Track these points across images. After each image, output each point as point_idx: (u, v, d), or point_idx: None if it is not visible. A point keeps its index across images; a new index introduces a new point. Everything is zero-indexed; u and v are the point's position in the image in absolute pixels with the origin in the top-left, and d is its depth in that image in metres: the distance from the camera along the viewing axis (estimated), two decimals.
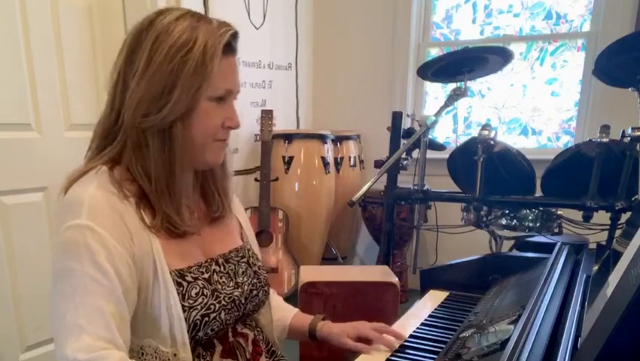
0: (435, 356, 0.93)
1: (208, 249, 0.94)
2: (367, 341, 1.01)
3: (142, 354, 0.84)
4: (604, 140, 1.70)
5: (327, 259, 3.15)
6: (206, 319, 0.86)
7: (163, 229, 0.84)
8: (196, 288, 0.86)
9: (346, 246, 3.33)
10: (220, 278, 0.92)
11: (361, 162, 3.18)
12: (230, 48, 0.85)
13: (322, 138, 2.84)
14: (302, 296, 1.76)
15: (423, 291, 1.36)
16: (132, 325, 0.81)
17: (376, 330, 1.02)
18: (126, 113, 0.82)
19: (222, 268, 0.94)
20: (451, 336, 1.00)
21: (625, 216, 1.70)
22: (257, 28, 2.85)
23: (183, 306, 0.83)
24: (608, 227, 1.73)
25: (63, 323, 0.75)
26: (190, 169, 0.92)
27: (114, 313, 0.76)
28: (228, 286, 0.92)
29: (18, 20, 1.72)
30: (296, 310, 1.15)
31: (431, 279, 1.38)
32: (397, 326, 1.09)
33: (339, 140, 3.00)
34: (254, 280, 0.98)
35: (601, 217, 1.76)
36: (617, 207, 1.70)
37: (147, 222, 0.83)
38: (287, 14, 3.08)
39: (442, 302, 1.26)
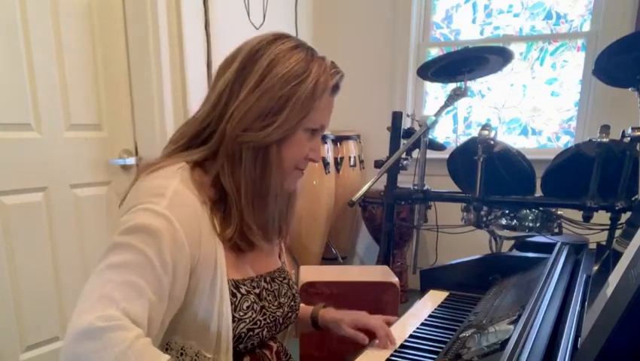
0: (435, 356, 0.93)
1: (256, 265, 0.96)
2: (367, 332, 1.03)
3: (182, 354, 0.84)
4: (604, 140, 1.70)
5: (327, 259, 3.15)
6: (251, 333, 0.88)
7: (232, 240, 0.86)
8: (247, 301, 0.88)
9: (346, 246, 3.33)
10: (268, 296, 0.94)
11: (361, 162, 3.18)
12: (336, 89, 0.90)
13: (322, 138, 2.82)
14: (302, 296, 1.74)
15: (423, 291, 1.36)
16: (178, 325, 0.82)
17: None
18: (228, 123, 0.84)
19: (270, 286, 0.96)
20: (451, 336, 1.00)
21: (625, 216, 1.70)
22: (257, 28, 2.85)
23: (233, 317, 0.85)
24: (608, 227, 1.73)
25: (100, 290, 0.69)
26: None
27: (153, 303, 0.72)
28: (273, 305, 0.94)
29: (18, 20, 1.72)
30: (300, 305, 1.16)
31: (431, 279, 1.38)
32: (397, 326, 1.10)
33: (339, 140, 3.00)
34: (292, 303, 1.01)
35: (601, 217, 1.76)
36: (617, 207, 1.70)
37: (217, 230, 0.85)
38: (287, 14, 3.08)
39: (442, 302, 1.26)
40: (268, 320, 0.91)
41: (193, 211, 0.80)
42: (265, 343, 0.97)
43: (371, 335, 1.03)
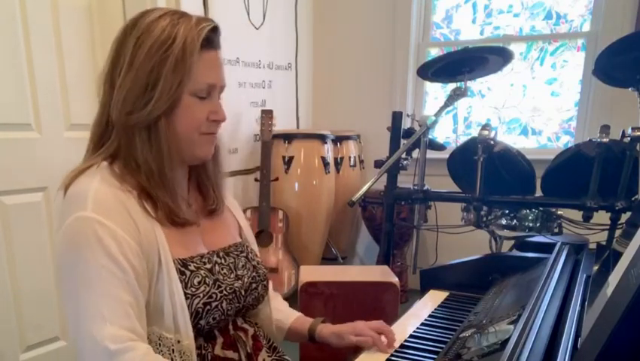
0: (435, 356, 0.93)
1: (209, 242, 0.96)
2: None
3: (148, 342, 0.84)
4: (605, 140, 1.70)
5: (327, 259, 3.15)
6: (208, 307, 0.88)
7: (166, 218, 0.87)
8: (198, 277, 0.88)
9: (346, 246, 3.33)
10: (222, 270, 0.94)
11: (361, 162, 3.18)
12: (209, 42, 0.86)
13: (322, 138, 2.84)
14: (302, 296, 1.76)
15: (423, 291, 1.36)
16: None
17: (374, 329, 1.02)
18: (112, 112, 0.85)
19: (223, 260, 0.96)
20: (451, 336, 1.00)
21: (625, 216, 1.70)
22: (257, 28, 2.85)
23: (185, 294, 0.85)
24: (608, 227, 1.73)
25: (85, 313, 0.76)
26: (182, 164, 0.93)
27: (131, 303, 0.78)
28: (229, 278, 0.95)
29: (18, 20, 1.72)
30: (299, 314, 1.15)
31: (431, 279, 1.38)
32: (397, 326, 1.10)
33: (339, 140, 3.00)
34: (254, 274, 1.00)
35: (602, 217, 1.76)
36: (617, 207, 1.70)
37: (151, 213, 0.85)
38: (287, 14, 3.08)
39: (442, 302, 1.26)
40: (225, 292, 0.91)
41: (119, 203, 0.81)
42: (238, 325, 0.97)
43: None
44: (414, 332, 1.07)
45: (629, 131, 1.68)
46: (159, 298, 0.84)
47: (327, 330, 1.07)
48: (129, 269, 0.79)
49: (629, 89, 1.89)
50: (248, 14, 2.76)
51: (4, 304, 1.77)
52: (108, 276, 0.77)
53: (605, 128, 1.72)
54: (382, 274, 1.82)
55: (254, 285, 0.99)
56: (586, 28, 2.74)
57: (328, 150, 2.86)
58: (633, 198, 1.70)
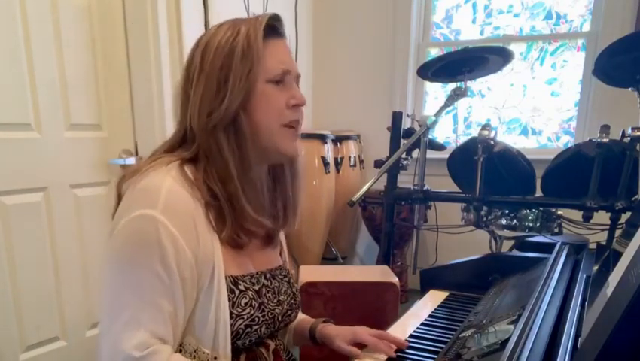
0: (435, 356, 0.93)
1: (257, 262, 0.95)
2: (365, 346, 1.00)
3: (180, 351, 0.84)
4: (604, 140, 1.70)
5: (327, 259, 3.15)
6: (249, 330, 0.87)
7: (230, 236, 0.85)
8: (246, 298, 0.87)
9: (346, 246, 3.33)
10: (267, 293, 0.93)
11: (361, 162, 3.18)
12: (273, 30, 0.87)
13: (322, 138, 2.84)
14: (302, 296, 1.75)
15: (423, 291, 1.36)
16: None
17: (376, 337, 1.00)
18: (193, 121, 0.85)
19: (269, 283, 0.95)
20: (451, 336, 1.00)
21: (625, 216, 1.70)
22: None
23: (231, 313, 0.84)
24: (608, 227, 1.73)
25: (124, 314, 0.76)
26: (263, 162, 0.92)
27: (171, 313, 0.79)
28: (272, 302, 0.94)
29: (18, 20, 1.72)
30: (304, 316, 1.15)
31: (431, 279, 1.38)
32: (397, 326, 1.10)
33: (339, 140, 3.00)
34: (292, 301, 1.00)
35: (602, 217, 1.76)
36: (617, 207, 1.70)
37: (214, 227, 0.84)
38: (287, 14, 3.08)
39: (442, 302, 1.26)
40: (266, 317, 0.91)
41: (187, 210, 0.80)
42: (262, 341, 0.96)
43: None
44: (414, 332, 1.07)
45: (629, 131, 1.68)
46: (204, 312, 0.82)
47: (325, 331, 1.05)
48: (179, 280, 0.78)
49: (629, 89, 1.89)
50: (248, 14, 2.76)
51: (4, 304, 1.77)
52: (157, 283, 0.77)
53: (605, 128, 1.72)
54: (382, 274, 1.82)
55: (289, 312, 0.99)
56: (586, 28, 2.74)
57: (328, 150, 2.86)
58: (633, 198, 1.70)
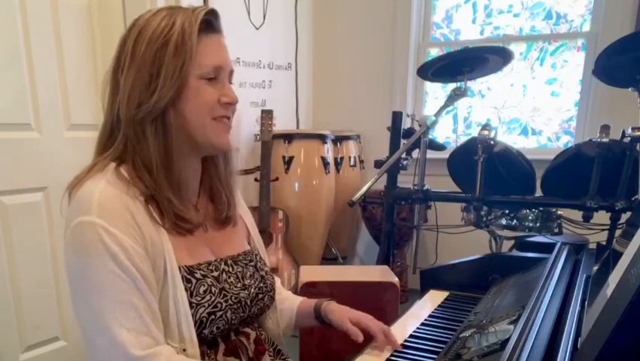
0: (435, 356, 0.93)
1: (217, 250, 0.95)
2: (366, 333, 1.01)
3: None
4: (605, 140, 1.70)
5: (327, 259, 3.15)
6: (212, 317, 0.87)
7: (172, 225, 0.85)
8: (204, 285, 0.87)
9: (346, 246, 3.33)
10: (229, 278, 0.93)
11: (361, 162, 3.18)
12: (209, 25, 0.86)
13: (322, 138, 2.84)
14: (302, 296, 1.76)
15: (423, 291, 1.36)
16: None
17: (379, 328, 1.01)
18: (120, 110, 0.84)
19: (231, 268, 0.95)
20: (451, 336, 1.00)
21: (625, 216, 1.70)
22: (257, 28, 2.85)
23: (190, 303, 0.84)
24: (608, 227, 1.73)
25: (103, 319, 0.76)
26: (195, 154, 0.91)
27: (145, 308, 0.79)
28: (236, 287, 0.93)
29: (18, 20, 1.72)
30: (303, 298, 1.16)
31: (431, 279, 1.38)
32: (397, 326, 1.10)
33: (339, 140, 3.00)
34: (261, 285, 0.99)
35: (602, 217, 1.76)
36: (617, 207, 1.70)
37: (157, 220, 0.84)
38: (287, 14, 3.08)
39: (442, 302, 1.26)
40: (230, 302, 0.90)
41: (122, 208, 0.80)
42: (240, 330, 0.96)
43: (371, 337, 1.02)
44: (414, 332, 1.07)
45: (629, 131, 1.68)
46: (163, 305, 0.83)
47: (330, 308, 1.06)
48: (137, 275, 0.78)
49: (629, 89, 1.89)
50: (249, 14, 2.76)
51: (4, 304, 1.77)
52: (118, 282, 0.77)
53: (605, 129, 1.72)
54: (382, 274, 1.82)
55: (260, 295, 0.98)
56: (586, 28, 2.74)
57: (328, 150, 2.86)
58: (633, 198, 1.70)
